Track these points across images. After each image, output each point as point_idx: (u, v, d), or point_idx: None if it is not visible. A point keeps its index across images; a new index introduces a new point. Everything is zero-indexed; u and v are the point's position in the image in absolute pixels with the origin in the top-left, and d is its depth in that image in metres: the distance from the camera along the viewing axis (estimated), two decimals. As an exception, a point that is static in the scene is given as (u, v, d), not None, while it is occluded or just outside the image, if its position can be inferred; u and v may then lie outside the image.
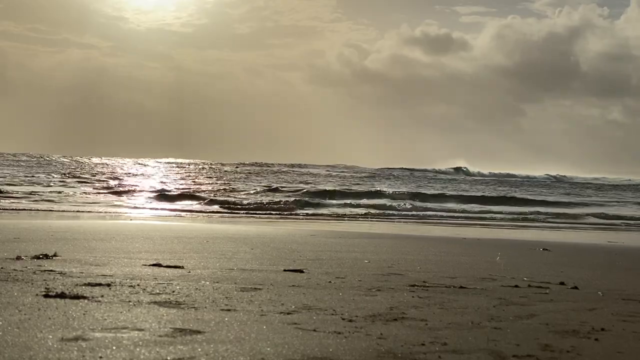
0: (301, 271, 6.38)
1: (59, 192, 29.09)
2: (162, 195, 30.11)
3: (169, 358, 3.07)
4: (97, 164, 73.98)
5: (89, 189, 32.71)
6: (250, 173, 64.50)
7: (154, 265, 6.31)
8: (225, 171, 67.24)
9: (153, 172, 58.31)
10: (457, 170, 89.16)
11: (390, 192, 37.74)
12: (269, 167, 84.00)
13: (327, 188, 39.65)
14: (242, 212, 23.76)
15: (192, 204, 26.68)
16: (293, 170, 75.18)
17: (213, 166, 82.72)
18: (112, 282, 5.11)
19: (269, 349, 3.30)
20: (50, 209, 20.13)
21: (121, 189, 33.33)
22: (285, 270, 6.40)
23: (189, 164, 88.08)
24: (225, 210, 24.15)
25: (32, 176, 40.97)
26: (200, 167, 79.21)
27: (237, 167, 78.50)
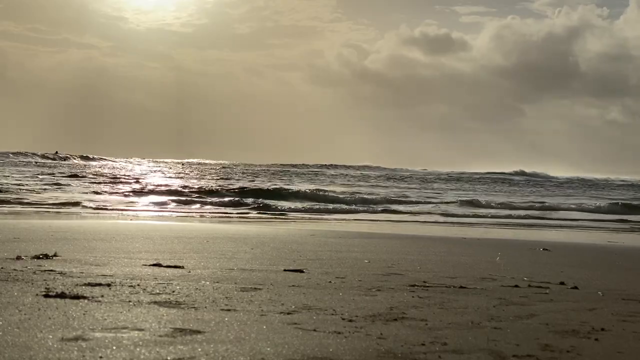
0: (301, 271, 6.38)
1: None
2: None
3: (169, 358, 3.08)
4: (124, 166, 70.04)
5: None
6: (303, 173, 62.51)
7: (154, 265, 6.31)
8: (274, 172, 64.34)
9: (222, 175, 55.73)
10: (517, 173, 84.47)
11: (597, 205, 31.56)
12: (303, 167, 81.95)
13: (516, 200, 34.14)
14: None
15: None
16: (341, 173, 72.25)
17: (249, 167, 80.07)
18: (112, 282, 5.12)
19: (269, 349, 3.30)
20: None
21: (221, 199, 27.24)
22: (285, 270, 6.40)
23: (237, 165, 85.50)
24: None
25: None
26: (243, 168, 76.44)
27: (269, 169, 76.49)
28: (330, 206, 26.00)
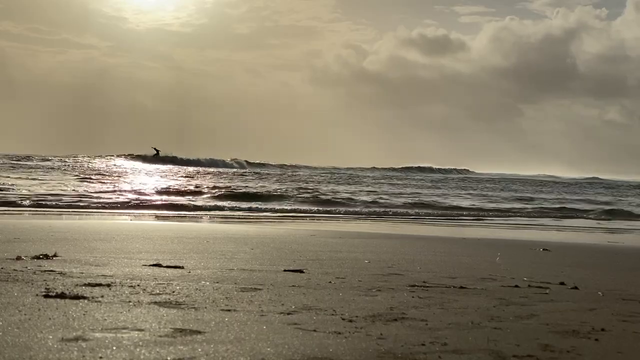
0: (301, 271, 6.38)
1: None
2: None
3: (169, 358, 3.08)
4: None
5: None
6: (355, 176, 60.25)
7: (154, 265, 6.31)
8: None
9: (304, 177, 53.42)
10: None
11: None
12: (353, 172, 78.66)
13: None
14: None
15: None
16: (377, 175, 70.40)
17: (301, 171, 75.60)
18: (112, 283, 5.12)
19: (269, 349, 3.30)
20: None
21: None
22: (285, 271, 6.39)
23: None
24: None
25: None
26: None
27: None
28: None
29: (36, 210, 18.48)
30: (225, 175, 51.44)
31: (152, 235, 9.98)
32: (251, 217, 19.88)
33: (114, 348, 3.19)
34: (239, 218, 19.40)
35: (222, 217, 19.40)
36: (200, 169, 66.51)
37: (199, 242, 9.18)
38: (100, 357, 3.04)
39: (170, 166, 66.76)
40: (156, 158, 73.18)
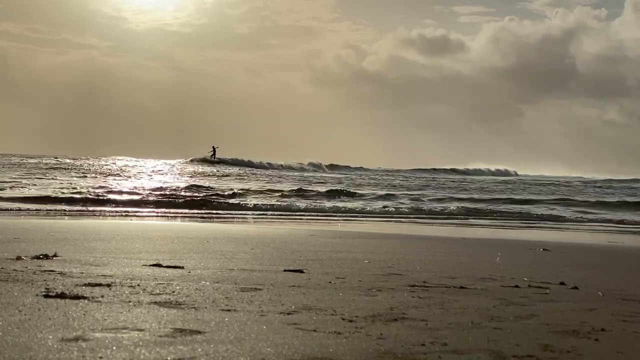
0: (301, 271, 6.38)
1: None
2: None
3: (169, 358, 3.08)
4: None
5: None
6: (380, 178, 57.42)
7: (154, 265, 6.31)
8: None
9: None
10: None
11: None
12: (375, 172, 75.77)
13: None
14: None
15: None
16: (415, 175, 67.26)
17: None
18: (112, 283, 5.12)
19: (269, 349, 3.30)
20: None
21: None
22: (285, 271, 6.40)
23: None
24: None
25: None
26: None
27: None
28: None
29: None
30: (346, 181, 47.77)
31: (152, 235, 9.99)
32: (251, 217, 19.88)
33: (114, 348, 3.19)
34: (239, 218, 19.40)
35: (225, 217, 19.40)
36: (282, 172, 63.71)
37: (199, 242, 9.18)
38: (100, 357, 3.04)
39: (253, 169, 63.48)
40: (213, 159, 68.59)
